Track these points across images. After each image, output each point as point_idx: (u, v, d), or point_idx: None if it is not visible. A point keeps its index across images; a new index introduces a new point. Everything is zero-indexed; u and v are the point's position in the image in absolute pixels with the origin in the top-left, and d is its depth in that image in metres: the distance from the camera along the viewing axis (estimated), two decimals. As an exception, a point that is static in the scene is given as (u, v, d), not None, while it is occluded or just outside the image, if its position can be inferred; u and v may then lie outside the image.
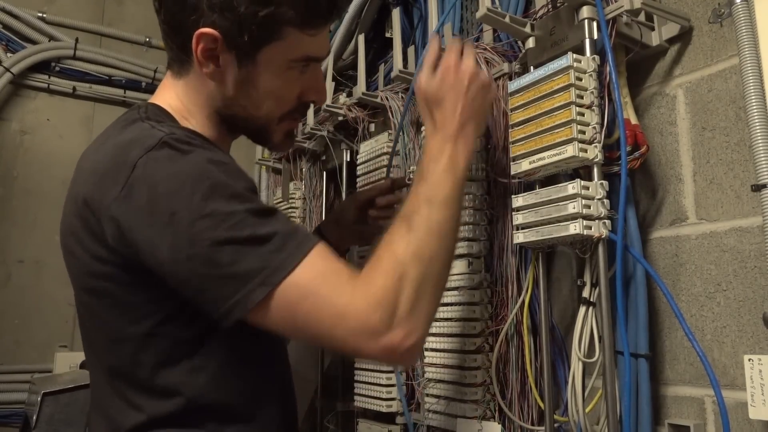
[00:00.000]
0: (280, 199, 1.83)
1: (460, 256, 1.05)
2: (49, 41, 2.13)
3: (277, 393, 0.79)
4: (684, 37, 0.94)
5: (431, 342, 1.09)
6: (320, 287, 0.65)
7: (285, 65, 0.76)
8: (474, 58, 0.86)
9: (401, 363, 0.68)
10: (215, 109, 0.79)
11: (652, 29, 0.95)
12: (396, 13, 1.33)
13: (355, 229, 1.11)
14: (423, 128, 1.12)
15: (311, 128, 1.62)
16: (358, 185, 1.40)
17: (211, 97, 0.78)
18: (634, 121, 0.93)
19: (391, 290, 0.66)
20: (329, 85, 1.55)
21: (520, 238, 0.92)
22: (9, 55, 2.07)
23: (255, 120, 0.79)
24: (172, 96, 0.79)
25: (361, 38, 1.47)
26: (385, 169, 1.30)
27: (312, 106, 0.84)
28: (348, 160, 1.54)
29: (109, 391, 0.73)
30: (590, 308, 0.89)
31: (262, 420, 0.75)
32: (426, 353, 1.10)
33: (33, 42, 2.11)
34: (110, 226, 0.67)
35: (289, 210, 1.78)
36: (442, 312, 1.07)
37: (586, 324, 0.89)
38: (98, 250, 0.69)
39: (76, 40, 2.16)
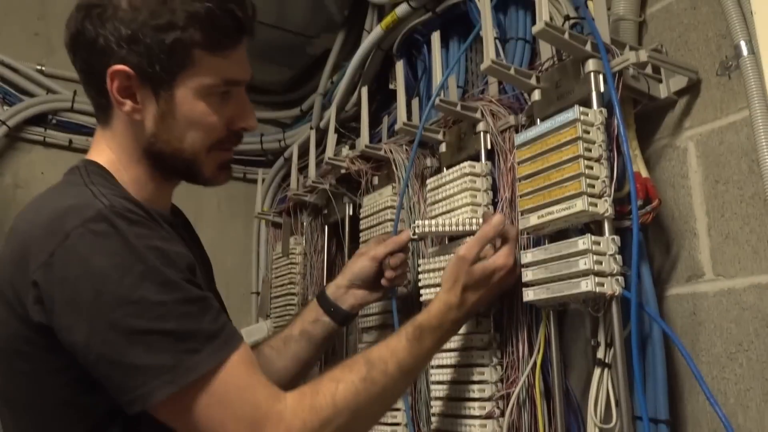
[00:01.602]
0: (280, 255, 1.84)
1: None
2: (47, 93, 2.20)
3: None
4: (692, 89, 0.97)
5: (437, 406, 1.08)
6: (231, 396, 0.66)
7: (203, 91, 0.78)
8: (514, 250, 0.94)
9: None
10: (143, 151, 0.80)
11: (660, 81, 0.98)
12: (399, 65, 1.38)
13: (371, 286, 1.10)
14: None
15: (312, 181, 1.65)
16: (361, 239, 1.41)
17: (137, 139, 0.80)
18: (644, 174, 0.95)
19: (308, 430, 0.68)
20: (331, 137, 1.59)
21: (530, 295, 0.93)
22: (6, 107, 2.13)
23: (181, 154, 0.80)
24: (104, 149, 0.82)
25: (364, 90, 1.51)
26: (389, 224, 1.31)
27: (243, 134, 0.85)
28: (351, 213, 1.56)
29: None
30: (605, 370, 0.89)
31: None
32: (432, 418, 1.09)
33: (30, 94, 2.18)
34: (32, 291, 0.68)
35: (290, 266, 1.79)
36: (449, 374, 1.07)
37: (601, 387, 0.89)
38: (18, 310, 0.70)
39: (74, 92, 2.23)
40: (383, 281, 1.09)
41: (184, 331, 0.66)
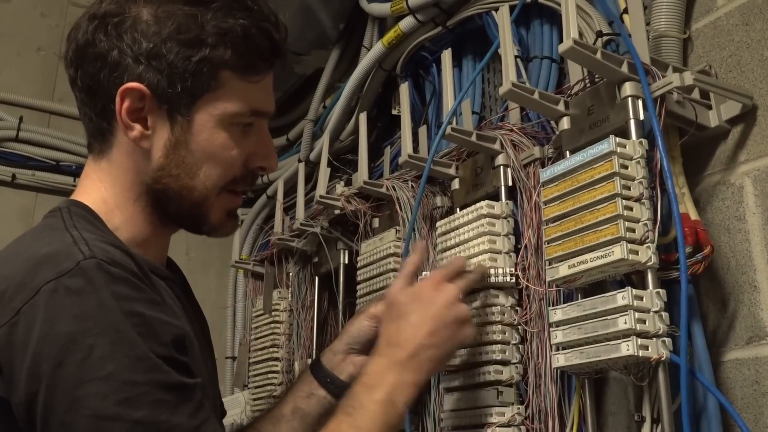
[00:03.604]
0: (261, 312, 1.85)
1: (487, 384, 1.06)
2: (-13, 119, 2.25)
3: None
4: (747, 116, 1.00)
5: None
6: None
7: (226, 120, 0.80)
8: (463, 287, 0.94)
9: None
10: (145, 187, 0.81)
11: (709, 108, 1.01)
12: (404, 88, 1.40)
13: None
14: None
15: (301, 224, 1.67)
16: (358, 293, 1.42)
17: (139, 172, 0.81)
18: (693, 216, 0.96)
19: None
20: (323, 171, 1.62)
21: (560, 360, 0.94)
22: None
23: (189, 193, 0.81)
24: (95, 185, 0.83)
25: (363, 116, 1.54)
26: (392, 275, 1.33)
27: (260, 176, 0.87)
28: (346, 262, 1.57)
29: None
30: (652, 451, 0.89)
31: None
32: None
33: (-35, 120, 2.22)
34: None
35: (273, 326, 1.79)
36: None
37: (648, 472, 0.89)
38: None
39: (20, 118, 2.27)
40: None
41: (153, 423, 0.66)
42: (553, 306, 0.99)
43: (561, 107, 1.05)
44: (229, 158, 0.82)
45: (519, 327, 1.08)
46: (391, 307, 0.92)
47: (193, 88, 0.78)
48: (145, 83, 0.77)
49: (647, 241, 0.89)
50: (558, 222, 0.97)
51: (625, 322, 0.86)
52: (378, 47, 1.61)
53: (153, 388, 0.67)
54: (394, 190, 1.37)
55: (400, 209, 1.35)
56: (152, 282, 0.76)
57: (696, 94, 1.00)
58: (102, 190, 0.82)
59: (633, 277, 0.93)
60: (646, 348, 0.85)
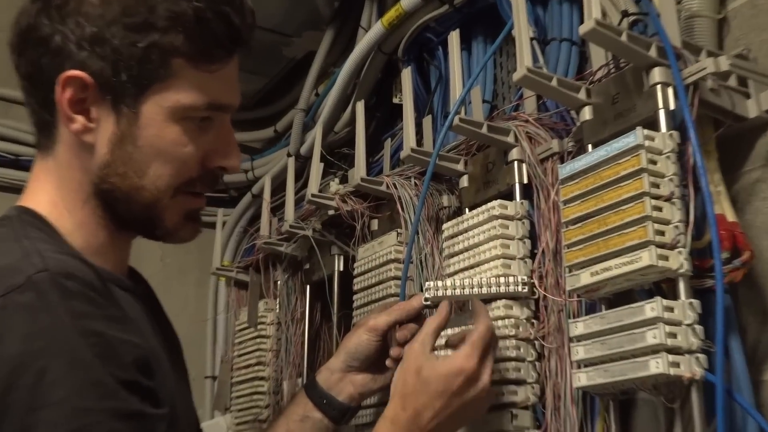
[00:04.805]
0: (245, 325, 1.85)
1: (501, 406, 1.06)
2: (-62, 109, 2.24)
3: None
4: (791, 106, 1.00)
5: None
6: None
7: (178, 113, 0.81)
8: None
9: None
10: (93, 187, 0.82)
11: (748, 96, 1.01)
12: (407, 73, 1.41)
13: (374, 368, 1.11)
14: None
15: (291, 226, 1.67)
16: (355, 304, 1.43)
17: (86, 171, 0.82)
18: (731, 217, 0.97)
19: None
20: (315, 167, 1.62)
21: (582, 380, 0.94)
22: None
23: (139, 193, 0.82)
24: (44, 188, 0.83)
25: (360, 105, 1.55)
26: (393, 283, 1.33)
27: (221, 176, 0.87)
28: (341, 269, 1.58)
29: None
30: (685, 481, 0.90)
31: None
32: None
33: None
34: None
35: (258, 341, 1.79)
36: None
37: (680, 504, 0.89)
38: None
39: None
40: (388, 362, 1.10)
41: None
42: (573, 318, 0.99)
43: (582, 95, 1.06)
44: (183, 156, 0.82)
45: (535, 342, 1.08)
46: (412, 370, 0.94)
47: (141, 76, 0.78)
48: (87, 71, 0.78)
49: (679, 245, 0.89)
50: (579, 224, 0.97)
51: (655, 337, 0.86)
52: (377, 28, 1.61)
53: (108, 416, 0.67)
54: (395, 188, 1.37)
55: (402, 210, 1.35)
56: (114, 296, 0.77)
57: (733, 81, 1.00)
58: (50, 192, 0.83)
59: (663, 286, 0.93)
60: (678, 365, 0.86)
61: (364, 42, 1.65)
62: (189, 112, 0.81)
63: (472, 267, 1.14)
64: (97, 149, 0.81)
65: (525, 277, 1.09)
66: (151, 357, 0.75)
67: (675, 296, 0.89)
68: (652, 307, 0.87)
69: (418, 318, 1.12)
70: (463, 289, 1.06)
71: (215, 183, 0.88)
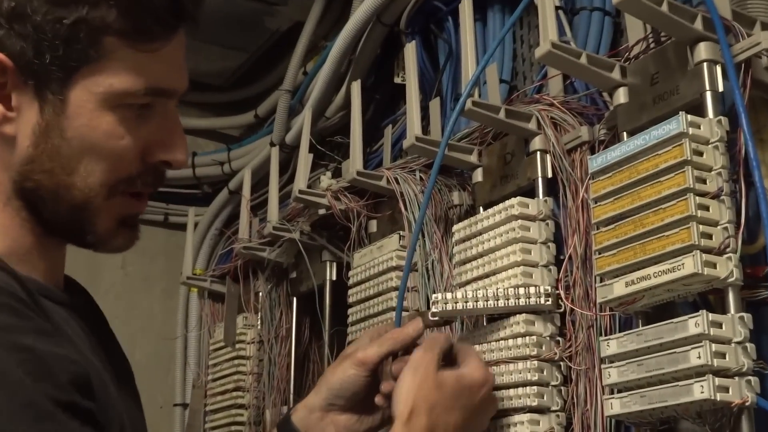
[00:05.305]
0: (221, 344, 1.85)
1: (520, 438, 1.07)
2: None
3: None
4: None
5: None
6: None
7: (112, 100, 0.80)
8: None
9: None
10: (15, 186, 0.82)
11: (808, 76, 1.02)
12: (411, 48, 1.40)
13: (361, 408, 1.09)
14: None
15: (274, 227, 1.67)
16: (349, 320, 1.43)
17: (6, 167, 0.81)
18: (789, 217, 0.97)
19: None
20: (304, 159, 1.62)
21: (615, 407, 0.94)
22: None
23: (67, 192, 0.81)
24: None
25: (356, 86, 1.55)
26: (393, 294, 1.33)
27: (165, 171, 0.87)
28: (334, 278, 1.58)
29: None
30: None
31: None
32: None
33: None
34: None
35: (237, 362, 1.79)
36: None
37: None
38: None
39: None
40: (378, 399, 1.07)
41: None
42: (605, 336, 0.99)
43: (616, 75, 1.06)
44: (118, 149, 0.81)
45: (561, 363, 1.09)
46: (436, 386, 0.96)
47: (67, 58, 0.78)
48: (5, 52, 0.77)
49: (728, 250, 0.89)
50: (612, 225, 0.98)
51: (699, 357, 0.86)
52: (376, -5, 1.61)
53: None
54: (397, 183, 1.37)
55: (405, 209, 1.35)
56: (43, 309, 0.76)
57: (791, 59, 1.01)
58: None
59: (709, 298, 0.94)
60: (726, 390, 0.86)
61: (360, 11, 1.65)
62: (125, 99, 0.80)
63: (487, 276, 1.14)
64: (18, 142, 0.80)
65: (549, 288, 1.09)
66: (89, 375, 0.74)
67: (723, 310, 0.90)
68: (696, 323, 0.87)
69: (413, 348, 1.08)
70: (479, 301, 1.06)
71: (159, 181, 0.87)
